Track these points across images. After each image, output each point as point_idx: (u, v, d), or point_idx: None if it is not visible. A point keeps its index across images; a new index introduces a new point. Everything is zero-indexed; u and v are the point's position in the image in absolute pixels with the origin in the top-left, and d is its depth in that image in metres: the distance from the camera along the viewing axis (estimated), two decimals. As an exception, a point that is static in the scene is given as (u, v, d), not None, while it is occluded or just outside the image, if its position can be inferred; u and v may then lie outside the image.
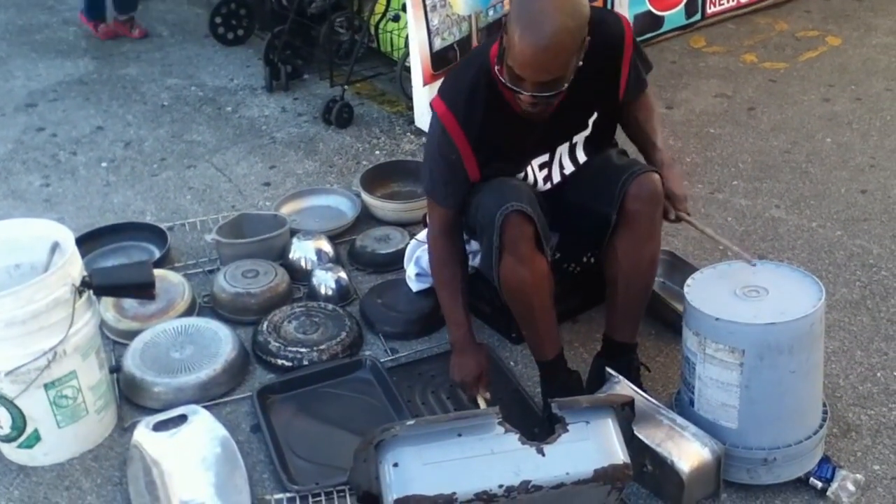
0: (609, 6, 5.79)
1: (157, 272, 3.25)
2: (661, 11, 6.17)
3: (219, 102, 5.62)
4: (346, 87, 5.28)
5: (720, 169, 4.71)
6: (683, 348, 2.85)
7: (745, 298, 2.73)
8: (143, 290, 3.12)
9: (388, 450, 2.49)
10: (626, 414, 2.67)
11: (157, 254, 3.96)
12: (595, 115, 3.08)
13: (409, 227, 4.06)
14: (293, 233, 3.98)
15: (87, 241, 3.93)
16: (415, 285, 3.61)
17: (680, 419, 2.75)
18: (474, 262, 3.37)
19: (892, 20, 6.60)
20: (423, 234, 3.42)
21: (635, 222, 2.95)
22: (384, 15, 5.65)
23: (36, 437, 2.96)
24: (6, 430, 2.94)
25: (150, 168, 4.88)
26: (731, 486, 2.81)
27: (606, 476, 2.50)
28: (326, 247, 3.92)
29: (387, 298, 3.66)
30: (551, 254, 3.01)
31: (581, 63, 2.74)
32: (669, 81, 5.70)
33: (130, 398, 3.25)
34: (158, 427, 2.98)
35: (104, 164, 4.92)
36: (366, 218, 4.26)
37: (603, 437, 2.56)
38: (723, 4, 6.52)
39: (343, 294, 3.73)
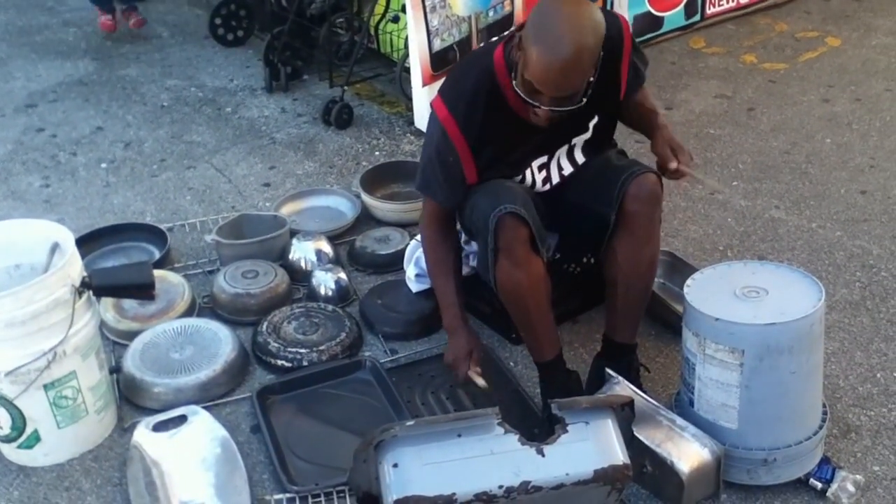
0: (609, 7, 5.80)
1: (156, 273, 3.25)
2: (661, 12, 6.17)
3: (218, 103, 5.63)
4: (345, 87, 5.28)
5: (720, 170, 4.71)
6: (683, 349, 2.85)
7: (745, 299, 2.73)
8: (143, 290, 3.12)
9: (387, 450, 2.49)
10: (625, 414, 2.67)
11: (157, 254, 3.96)
12: (596, 119, 3.08)
13: (409, 227, 4.07)
14: (293, 233, 3.98)
15: (87, 242, 3.93)
16: (414, 286, 3.61)
17: (680, 420, 2.75)
18: (473, 262, 3.38)
19: (891, 21, 6.60)
20: (419, 224, 3.42)
21: (634, 223, 2.95)
22: (384, 16, 5.65)
23: (36, 438, 2.96)
24: (6, 431, 2.94)
25: (149, 169, 4.88)
26: (730, 487, 2.81)
27: (606, 477, 2.50)
28: (326, 247, 3.92)
29: (386, 299, 3.66)
30: (551, 255, 3.02)
31: (591, 86, 2.76)
32: (669, 82, 5.70)
33: (130, 399, 3.25)
34: (158, 427, 2.98)
35: (104, 165, 4.92)
36: (365, 219, 4.26)
37: (603, 437, 2.56)
38: (722, 5, 6.52)
39: (343, 295, 3.73)
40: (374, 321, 3.59)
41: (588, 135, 3.10)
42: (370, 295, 3.72)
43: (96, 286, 2.94)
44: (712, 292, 2.77)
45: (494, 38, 3.37)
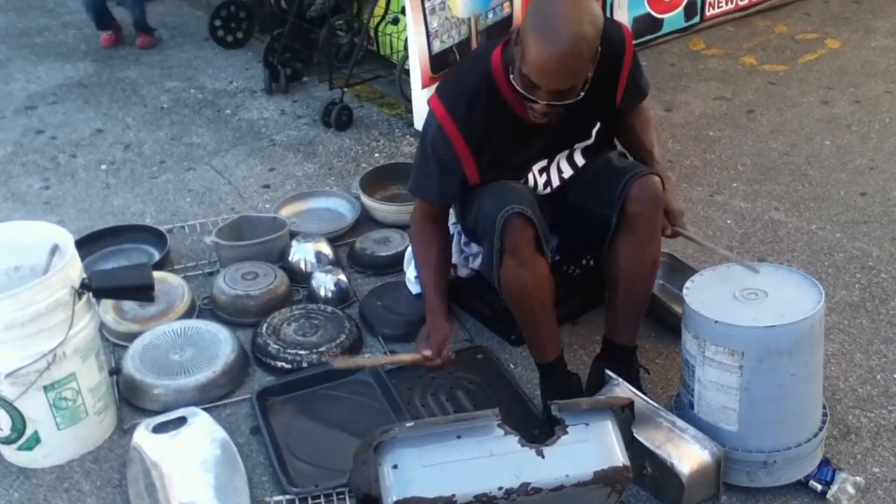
0: (609, 9, 5.81)
1: (156, 274, 3.25)
2: (661, 14, 6.18)
3: (218, 105, 5.63)
4: (345, 89, 5.28)
5: (719, 171, 4.71)
6: (683, 351, 2.85)
7: (745, 301, 2.73)
8: (143, 292, 3.12)
9: (387, 452, 2.49)
10: (625, 416, 2.67)
11: (157, 256, 3.96)
12: (598, 126, 3.09)
13: (409, 229, 4.06)
14: (293, 235, 3.98)
15: (87, 244, 3.93)
16: (414, 287, 3.61)
17: (680, 421, 2.74)
18: (474, 264, 3.38)
19: (891, 22, 6.61)
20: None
21: (636, 225, 2.95)
22: (383, 18, 5.65)
23: (36, 439, 2.96)
24: (6, 432, 2.94)
25: (149, 170, 4.88)
26: (731, 489, 2.81)
27: (606, 478, 2.50)
28: (326, 249, 3.92)
29: (386, 300, 3.66)
30: (551, 256, 3.01)
31: (589, 81, 2.75)
32: (669, 84, 5.70)
33: (130, 400, 3.25)
34: (158, 429, 2.98)
35: (104, 167, 4.92)
36: (365, 220, 4.26)
37: (603, 439, 2.56)
38: (722, 7, 6.53)
39: (342, 296, 3.73)
40: (374, 322, 3.59)
41: (590, 141, 3.11)
42: (370, 296, 3.73)
43: (96, 288, 2.95)
44: (712, 294, 2.77)
45: (493, 40, 3.37)
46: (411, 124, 5.19)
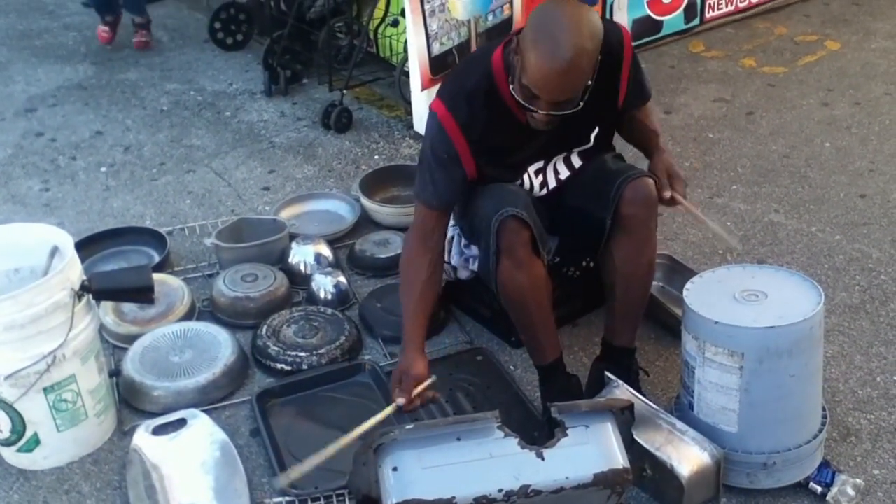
0: (608, 11, 5.81)
1: (156, 276, 3.26)
2: (660, 16, 6.18)
3: (218, 107, 5.63)
4: (344, 91, 5.28)
5: (719, 173, 4.71)
6: (683, 352, 2.85)
7: (745, 302, 2.73)
8: (143, 294, 3.12)
9: (387, 454, 2.49)
10: (625, 418, 2.66)
11: (157, 258, 3.96)
12: (597, 130, 3.09)
13: (402, 244, 4.06)
14: (292, 237, 3.98)
15: (87, 246, 3.92)
16: (414, 289, 3.61)
17: (679, 423, 2.74)
18: (474, 266, 3.38)
19: (891, 24, 6.60)
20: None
21: (631, 226, 2.95)
22: (383, 20, 5.66)
23: (35, 441, 2.96)
24: (6, 434, 2.94)
25: (149, 172, 4.88)
26: (730, 491, 2.81)
27: (606, 480, 2.50)
28: (326, 251, 3.92)
29: (386, 302, 3.66)
30: (550, 258, 3.01)
31: (589, 91, 2.76)
32: (668, 86, 5.70)
33: (130, 402, 3.25)
34: (158, 431, 2.97)
35: (104, 169, 4.92)
36: (365, 222, 4.26)
37: (603, 441, 2.56)
38: (722, 9, 6.53)
39: (342, 298, 3.73)
40: (374, 324, 3.59)
41: (589, 145, 3.11)
42: (370, 298, 3.73)
43: (96, 290, 2.95)
44: (712, 296, 2.77)
45: (493, 41, 3.37)
46: (411, 126, 5.19)
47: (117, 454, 3.07)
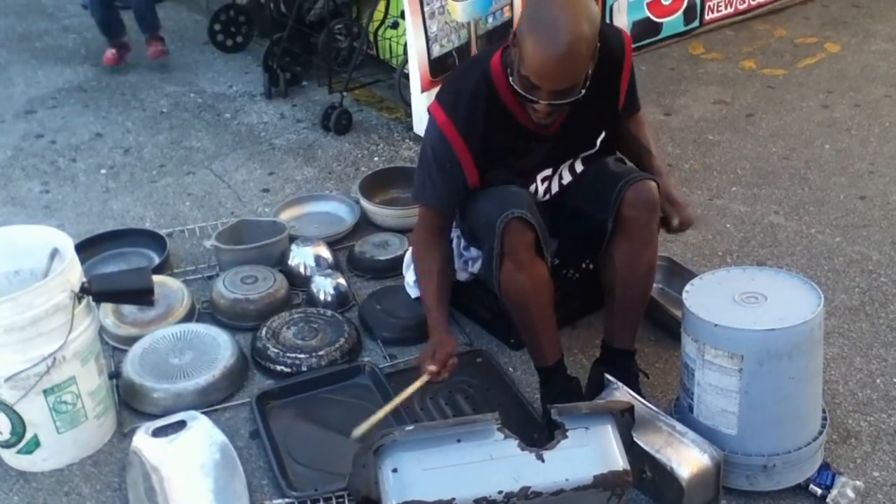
0: (608, 13, 5.81)
1: (156, 278, 3.26)
2: (660, 18, 6.18)
3: (218, 109, 5.63)
4: (344, 93, 5.29)
5: (719, 175, 4.71)
6: (682, 354, 2.85)
7: (744, 304, 2.73)
8: (143, 296, 3.12)
9: (387, 455, 2.49)
10: (625, 420, 2.66)
11: (157, 260, 3.96)
12: (603, 135, 3.09)
13: (408, 233, 4.04)
14: (292, 239, 3.98)
15: (87, 248, 3.93)
16: (413, 291, 3.61)
17: (679, 425, 2.74)
18: (473, 268, 3.38)
19: (890, 26, 6.61)
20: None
21: (632, 229, 2.95)
22: (383, 22, 5.66)
23: (35, 443, 2.96)
24: (6, 436, 2.93)
25: (149, 174, 4.88)
26: (730, 493, 2.81)
27: (606, 482, 2.50)
28: (325, 253, 3.92)
29: (385, 304, 3.66)
30: (550, 260, 3.01)
31: (589, 79, 2.75)
32: (668, 88, 5.70)
33: (130, 404, 3.25)
34: (158, 433, 2.97)
35: (103, 171, 4.92)
36: (365, 224, 4.27)
37: (602, 443, 2.56)
38: (721, 11, 6.53)
39: (342, 300, 3.73)
40: (373, 326, 3.59)
41: (594, 150, 3.11)
42: (369, 300, 3.73)
43: (96, 291, 2.95)
44: (711, 298, 2.77)
45: (492, 45, 3.37)
46: (411, 128, 5.19)
47: (117, 456, 3.07)
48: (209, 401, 3.23)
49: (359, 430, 2.77)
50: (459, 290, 3.53)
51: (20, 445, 2.96)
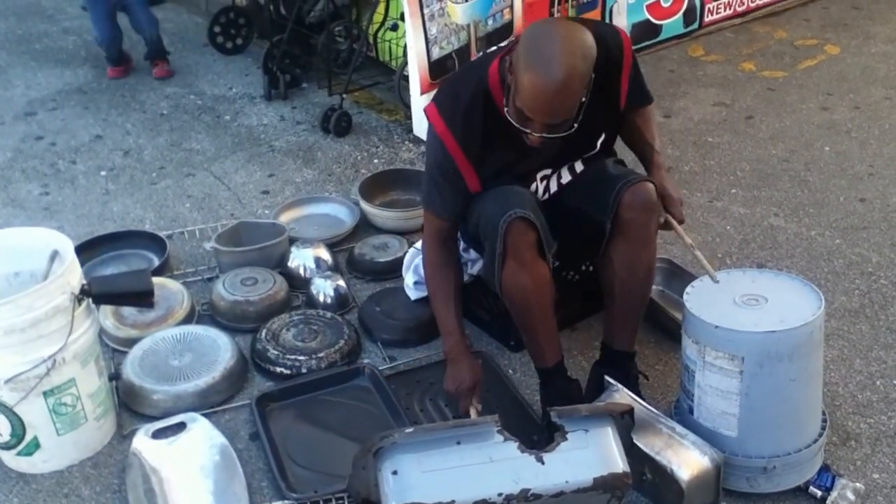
0: (608, 15, 5.81)
1: (155, 280, 3.26)
2: (659, 20, 6.19)
3: (217, 111, 5.63)
4: (344, 95, 5.29)
5: (718, 177, 4.71)
6: (683, 356, 2.85)
7: (745, 306, 2.73)
8: (142, 298, 3.12)
9: (386, 457, 2.49)
10: (625, 422, 2.66)
11: (156, 262, 3.96)
12: (603, 136, 3.09)
13: (408, 235, 4.07)
14: (292, 241, 3.98)
15: (87, 250, 3.93)
16: (413, 293, 3.61)
17: (679, 427, 2.74)
18: (472, 270, 3.38)
19: (890, 28, 6.61)
20: (421, 243, 3.42)
21: (630, 231, 2.95)
22: (382, 24, 5.66)
23: (35, 445, 2.96)
24: (6, 438, 2.93)
25: (149, 176, 4.88)
26: (730, 495, 2.80)
27: (606, 484, 2.50)
28: (325, 255, 3.92)
29: (385, 306, 3.66)
30: (550, 262, 3.01)
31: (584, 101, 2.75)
32: (668, 90, 5.70)
33: (129, 406, 3.25)
34: (157, 435, 2.97)
35: (103, 173, 4.92)
36: (364, 226, 4.27)
37: (602, 445, 2.56)
38: (721, 13, 6.53)
39: (341, 302, 3.73)
40: (373, 328, 3.59)
41: (595, 151, 3.12)
42: (369, 302, 3.72)
43: (96, 293, 2.94)
44: (712, 300, 2.78)
45: (492, 49, 3.37)
46: (410, 130, 5.19)
47: (117, 458, 3.07)
48: (209, 403, 3.23)
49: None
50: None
51: (20, 447, 2.95)
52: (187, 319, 3.61)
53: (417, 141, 5.05)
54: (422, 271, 3.42)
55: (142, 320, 3.56)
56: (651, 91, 3.21)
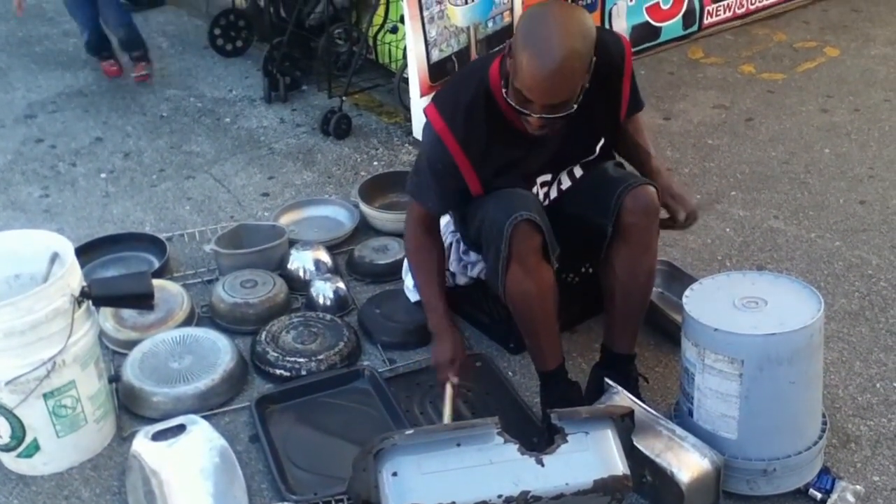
0: (607, 18, 5.82)
1: (155, 282, 3.25)
2: (659, 22, 6.19)
3: (217, 113, 5.63)
4: (344, 98, 5.29)
5: (718, 180, 4.71)
6: (682, 359, 2.85)
7: (745, 309, 2.73)
8: (142, 300, 3.12)
9: (386, 459, 2.49)
10: (625, 425, 2.67)
11: (156, 264, 3.96)
12: (602, 141, 3.09)
13: (404, 238, 4.06)
14: (292, 243, 3.98)
15: (87, 252, 3.93)
16: (413, 295, 3.61)
17: (679, 430, 2.74)
18: (473, 272, 3.38)
19: (890, 30, 6.62)
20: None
21: (631, 234, 2.95)
22: (382, 26, 5.66)
23: (35, 447, 2.96)
24: (6, 440, 2.93)
25: (149, 179, 4.88)
26: (730, 497, 2.80)
27: (606, 487, 2.50)
28: (325, 257, 3.92)
29: (385, 308, 3.66)
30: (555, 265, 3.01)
31: (587, 87, 2.75)
32: (667, 92, 5.70)
33: (129, 408, 3.25)
34: (157, 437, 2.97)
35: (103, 175, 4.92)
36: (364, 228, 4.27)
37: (602, 447, 2.56)
38: (720, 15, 6.53)
39: (341, 304, 3.73)
40: (373, 330, 3.59)
41: (594, 156, 3.11)
42: (368, 304, 3.72)
43: (95, 296, 2.95)
44: (711, 302, 2.77)
45: (494, 50, 3.37)
46: (410, 133, 5.19)
47: (117, 460, 3.07)
48: (209, 405, 3.23)
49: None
50: (459, 295, 3.53)
51: (20, 449, 2.95)
52: (187, 322, 3.61)
53: (417, 143, 5.04)
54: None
55: (142, 322, 3.56)
56: (649, 94, 3.21)
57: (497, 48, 3.21)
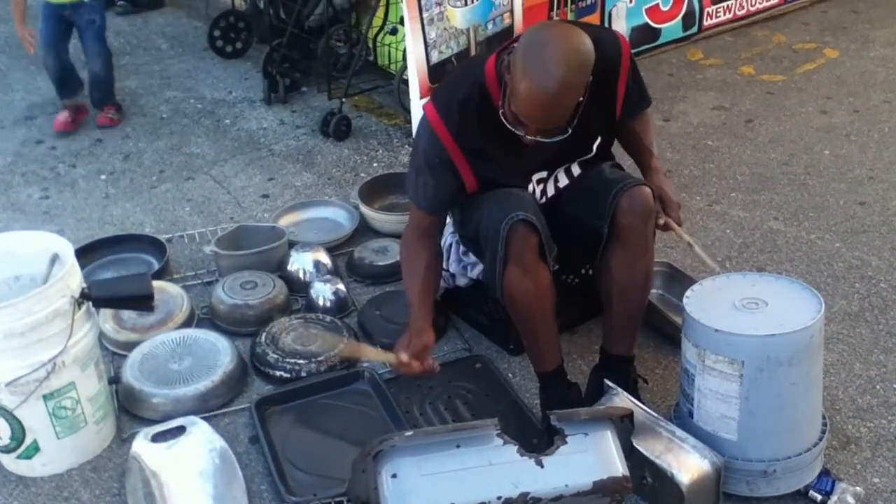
0: (607, 19, 5.81)
1: (155, 284, 3.25)
2: (658, 24, 6.19)
3: (217, 115, 5.63)
4: (344, 99, 5.29)
5: (718, 181, 4.71)
6: (683, 360, 2.85)
7: (745, 310, 2.73)
8: (142, 301, 3.12)
9: (386, 461, 2.49)
10: (625, 426, 2.67)
11: (156, 265, 3.96)
12: (599, 140, 3.09)
13: (400, 240, 4.06)
14: (291, 245, 3.98)
15: (87, 253, 3.93)
16: (413, 297, 3.61)
17: (679, 431, 2.74)
18: (472, 273, 3.38)
19: (889, 32, 6.62)
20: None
21: (627, 236, 2.95)
22: (382, 28, 5.66)
23: (35, 448, 2.95)
24: (5, 441, 2.93)
25: (149, 180, 4.88)
26: (730, 499, 2.80)
27: (605, 488, 2.50)
28: (325, 258, 3.92)
29: (385, 310, 3.66)
30: (552, 265, 3.01)
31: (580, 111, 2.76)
32: (667, 94, 5.71)
33: (129, 409, 3.25)
34: (157, 438, 2.96)
35: (103, 177, 4.92)
36: (364, 230, 4.27)
37: (602, 449, 2.57)
38: (720, 17, 6.53)
39: (341, 306, 3.72)
40: (373, 332, 3.59)
41: (591, 154, 3.11)
42: (368, 306, 3.72)
43: (95, 297, 2.95)
44: (712, 303, 2.77)
45: (488, 50, 3.37)
46: (409, 134, 5.19)
47: (116, 461, 3.07)
48: (208, 406, 3.23)
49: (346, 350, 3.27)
50: (458, 296, 3.54)
51: (20, 451, 2.95)
52: (187, 323, 3.61)
53: (417, 144, 5.05)
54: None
55: (141, 324, 3.56)
56: (650, 94, 3.21)
57: (495, 47, 3.21)
